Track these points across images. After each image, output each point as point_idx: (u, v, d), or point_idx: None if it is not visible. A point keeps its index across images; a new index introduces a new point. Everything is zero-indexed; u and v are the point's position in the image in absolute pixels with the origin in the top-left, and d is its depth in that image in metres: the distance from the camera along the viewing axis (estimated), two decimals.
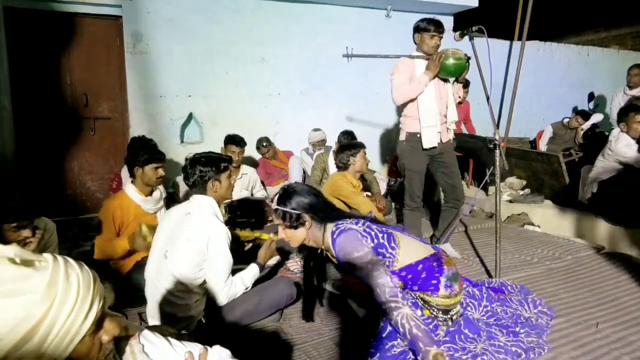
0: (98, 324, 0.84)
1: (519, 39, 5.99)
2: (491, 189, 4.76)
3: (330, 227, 1.90)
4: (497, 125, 2.72)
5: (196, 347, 1.17)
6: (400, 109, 3.23)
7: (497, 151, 2.64)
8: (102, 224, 2.62)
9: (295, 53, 5.27)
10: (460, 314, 2.05)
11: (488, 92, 2.79)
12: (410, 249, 1.95)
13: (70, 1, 4.21)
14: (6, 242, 1.39)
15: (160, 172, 2.68)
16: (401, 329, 1.67)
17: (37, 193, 4.27)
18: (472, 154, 5.07)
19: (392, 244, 1.89)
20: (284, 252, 3.37)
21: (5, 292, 0.74)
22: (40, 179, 4.33)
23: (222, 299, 2.10)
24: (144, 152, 2.67)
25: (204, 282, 2.09)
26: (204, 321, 2.13)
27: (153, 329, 1.20)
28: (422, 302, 1.98)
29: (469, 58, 2.94)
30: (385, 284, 1.71)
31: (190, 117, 4.88)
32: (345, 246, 1.79)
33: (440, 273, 1.96)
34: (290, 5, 5.14)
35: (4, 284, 0.74)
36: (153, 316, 2.10)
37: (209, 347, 1.22)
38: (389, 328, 1.84)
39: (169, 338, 1.16)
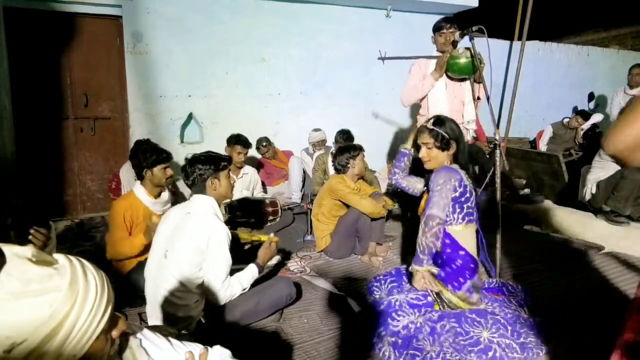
0: (111, 321, 0.87)
1: (519, 39, 5.99)
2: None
3: (451, 163, 2.25)
4: (497, 125, 2.73)
5: (197, 347, 1.18)
6: (416, 108, 3.34)
7: (497, 151, 2.64)
8: (113, 225, 2.61)
9: (295, 53, 5.27)
10: None
11: (488, 92, 2.80)
12: (467, 236, 2.16)
13: (70, 1, 4.21)
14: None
15: (169, 171, 2.70)
16: (420, 242, 2.08)
17: (37, 193, 4.27)
18: (470, 159, 5.07)
19: (463, 218, 2.14)
20: (284, 253, 3.38)
21: (32, 292, 0.75)
22: (40, 179, 4.33)
23: (220, 299, 2.08)
24: (150, 153, 2.66)
25: (204, 282, 2.08)
26: (204, 321, 2.13)
27: (153, 329, 1.20)
28: (435, 296, 2.11)
29: (479, 59, 2.95)
30: (437, 214, 2.08)
31: (190, 117, 4.88)
32: (447, 175, 2.13)
33: (471, 277, 2.10)
34: (290, 5, 5.14)
35: (29, 284, 0.75)
36: (153, 316, 2.10)
37: (209, 347, 1.22)
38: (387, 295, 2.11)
39: (170, 338, 1.16)
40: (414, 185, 2.50)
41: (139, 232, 2.60)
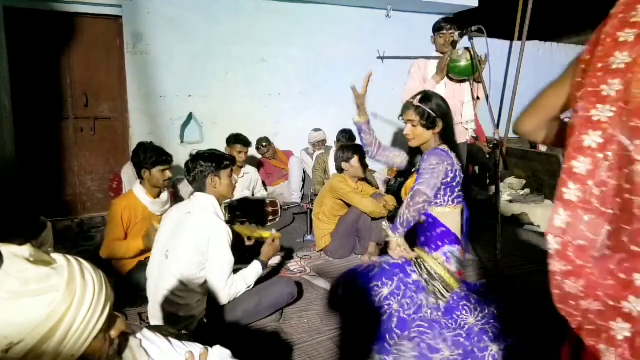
0: (110, 320, 0.86)
1: (519, 39, 5.99)
2: (491, 188, 4.76)
3: (440, 143, 2.16)
4: (497, 125, 2.73)
5: (197, 347, 1.17)
6: None
7: (497, 151, 2.64)
8: (110, 224, 2.62)
9: (295, 53, 5.27)
10: (447, 297, 2.10)
11: (488, 92, 2.80)
12: (451, 216, 2.13)
13: (70, 1, 4.21)
14: None
15: (168, 174, 2.70)
16: (402, 213, 2.05)
17: (37, 193, 4.27)
18: (470, 158, 5.07)
19: (453, 201, 2.11)
20: (284, 252, 3.37)
21: (30, 291, 0.74)
22: (41, 179, 4.33)
23: (223, 298, 2.08)
24: (151, 154, 2.66)
25: (205, 282, 2.08)
26: (205, 321, 2.13)
27: (153, 329, 1.20)
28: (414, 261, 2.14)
29: (480, 58, 2.94)
30: (425, 191, 2.04)
31: (190, 117, 4.88)
32: (437, 158, 2.08)
33: (450, 244, 2.10)
34: (290, 5, 5.14)
35: (27, 284, 0.74)
36: (154, 316, 2.10)
37: (209, 347, 1.22)
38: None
39: (170, 338, 1.16)
40: (393, 159, 2.41)
41: (137, 235, 2.61)
